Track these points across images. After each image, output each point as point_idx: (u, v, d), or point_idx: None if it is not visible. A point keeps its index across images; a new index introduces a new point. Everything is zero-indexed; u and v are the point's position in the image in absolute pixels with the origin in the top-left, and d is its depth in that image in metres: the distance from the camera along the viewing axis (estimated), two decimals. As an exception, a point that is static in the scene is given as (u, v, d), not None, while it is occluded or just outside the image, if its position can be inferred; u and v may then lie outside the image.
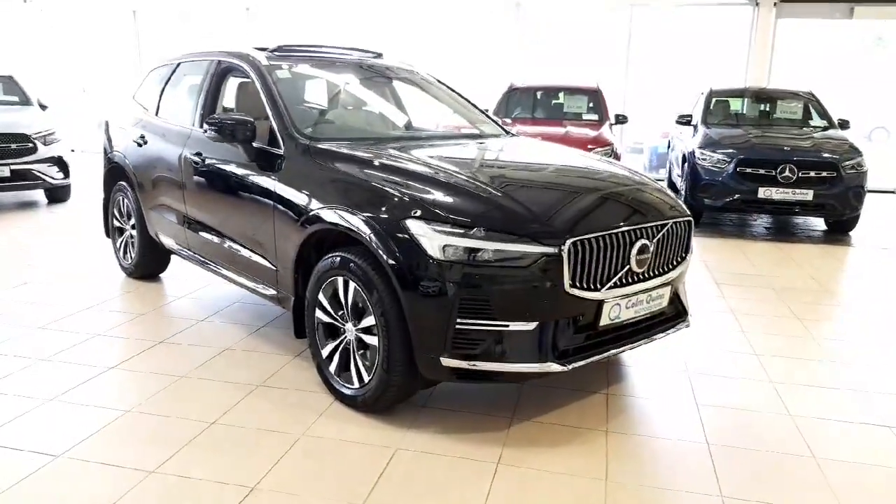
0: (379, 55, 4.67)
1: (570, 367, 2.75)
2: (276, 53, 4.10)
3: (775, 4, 11.84)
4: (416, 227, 2.73)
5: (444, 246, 2.68)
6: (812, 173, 7.12)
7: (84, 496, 2.44)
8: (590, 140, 7.73)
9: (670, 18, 12.86)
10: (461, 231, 2.69)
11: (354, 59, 4.52)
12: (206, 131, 3.86)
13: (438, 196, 2.87)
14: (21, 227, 7.17)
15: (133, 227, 5.02)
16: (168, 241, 4.64)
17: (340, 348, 3.11)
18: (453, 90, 4.74)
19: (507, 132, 4.47)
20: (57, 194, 8.59)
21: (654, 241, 2.99)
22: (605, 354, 2.91)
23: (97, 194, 5.61)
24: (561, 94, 9.36)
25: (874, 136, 16.63)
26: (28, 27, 15.21)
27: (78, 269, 5.48)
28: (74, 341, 3.89)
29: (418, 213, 2.77)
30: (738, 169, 7.25)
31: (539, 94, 9.39)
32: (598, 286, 2.80)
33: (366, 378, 2.97)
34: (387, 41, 11.00)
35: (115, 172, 5.19)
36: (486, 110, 4.84)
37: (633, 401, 3.31)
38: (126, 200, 5.04)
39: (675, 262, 3.17)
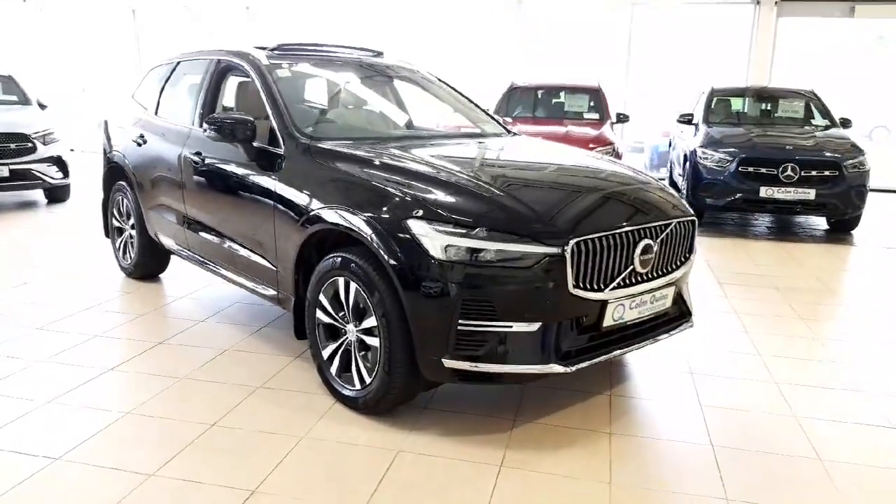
0: (379, 54, 4.64)
1: (574, 368, 2.73)
2: (277, 52, 4.08)
3: (776, 3, 11.82)
4: (418, 228, 2.70)
5: (446, 246, 2.65)
6: (814, 172, 7.09)
7: (83, 500, 2.42)
8: (591, 139, 7.71)
9: (671, 17, 12.83)
10: (463, 231, 2.66)
11: (355, 57, 4.50)
12: (205, 131, 3.83)
13: (440, 196, 2.85)
14: (20, 227, 7.15)
15: (132, 227, 4.99)
16: (167, 242, 4.62)
17: (341, 349, 3.08)
18: (454, 89, 4.72)
19: (509, 131, 4.44)
20: (56, 194, 8.57)
21: (658, 240, 2.96)
22: (609, 356, 2.88)
23: (97, 194, 5.58)
24: (562, 93, 9.33)
25: (875, 135, 16.60)
26: (27, 26, 15.18)
27: (77, 269, 5.46)
28: (74, 342, 3.87)
29: (420, 213, 2.74)
30: (739, 168, 7.22)
31: (540, 93, 9.36)
32: (602, 287, 2.78)
33: (367, 379, 2.95)
34: (387, 40, 10.97)
35: (114, 172, 5.16)
36: (487, 109, 4.82)
37: (636, 402, 3.28)
38: (125, 200, 5.02)
39: (678, 262, 3.14)
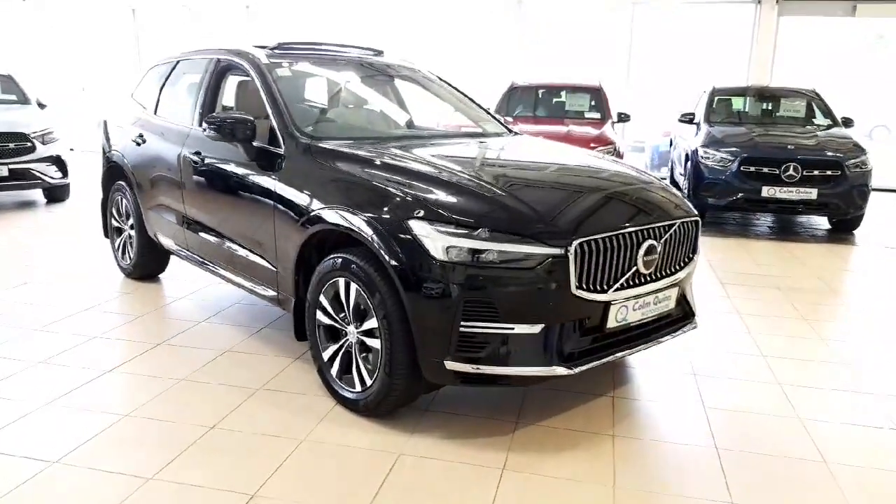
0: (380, 53, 4.62)
1: (577, 370, 2.70)
2: (277, 51, 4.05)
3: (777, 2, 11.79)
4: (419, 228, 2.68)
5: (448, 247, 2.62)
6: (816, 172, 7.06)
7: None
8: (592, 139, 7.69)
9: (672, 16, 12.81)
10: (465, 232, 2.64)
11: (355, 56, 4.47)
12: (205, 130, 3.80)
13: (441, 196, 2.82)
14: (19, 227, 7.12)
15: (132, 227, 4.97)
16: (167, 242, 4.59)
17: (342, 351, 3.06)
18: (455, 88, 4.69)
19: (510, 131, 4.41)
20: (55, 194, 8.54)
21: (662, 241, 2.93)
22: (612, 357, 2.86)
23: (96, 194, 5.56)
24: (563, 93, 9.31)
25: (875, 135, 16.56)
26: (27, 26, 15.15)
27: (77, 269, 5.43)
28: (73, 343, 3.84)
29: (421, 213, 2.71)
30: (741, 168, 7.20)
31: (541, 93, 9.33)
32: (605, 288, 2.75)
33: (368, 381, 2.92)
34: (387, 40, 10.93)
35: (113, 172, 5.13)
36: (488, 109, 4.79)
37: (639, 404, 3.26)
38: (125, 200, 4.99)
39: (682, 263, 3.12)
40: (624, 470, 2.66)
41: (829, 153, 7.23)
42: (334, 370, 3.09)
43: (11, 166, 7.69)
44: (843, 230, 7.70)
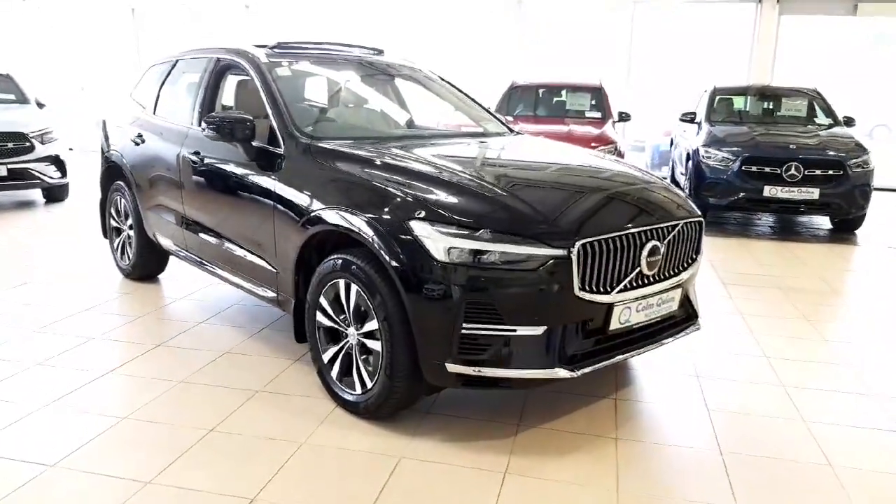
0: (380, 52, 4.59)
1: (580, 373, 2.67)
2: (276, 50, 4.02)
3: (778, 1, 11.76)
4: (420, 229, 2.65)
5: (449, 248, 2.59)
6: (818, 171, 7.04)
7: (78, 508, 2.37)
8: (593, 138, 7.66)
9: (672, 16, 12.78)
10: (466, 232, 2.61)
11: (355, 56, 4.44)
12: (204, 130, 3.77)
13: (443, 196, 2.79)
14: (18, 227, 7.09)
15: (131, 227, 4.94)
16: (166, 242, 4.56)
17: (342, 353, 3.03)
18: (456, 87, 4.66)
19: (512, 130, 4.38)
20: (54, 193, 8.51)
21: (665, 242, 2.91)
22: (615, 359, 2.83)
23: (95, 194, 5.53)
24: (563, 92, 9.27)
25: (875, 134, 16.53)
26: (26, 25, 15.12)
27: (75, 269, 5.40)
28: (71, 344, 3.82)
29: (422, 213, 2.69)
30: (743, 167, 7.17)
31: (541, 92, 9.30)
32: (608, 289, 2.72)
33: (368, 384, 2.89)
34: (387, 40, 10.91)
35: (112, 172, 5.10)
36: (489, 108, 4.76)
37: (642, 406, 3.23)
38: (123, 200, 4.96)
39: (685, 264, 3.09)
40: (627, 473, 2.63)
41: (831, 153, 7.20)
42: (334, 372, 3.06)
43: (10, 166, 7.66)
44: (844, 230, 7.68)
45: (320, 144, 3.35)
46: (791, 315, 4.63)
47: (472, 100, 4.63)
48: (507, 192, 2.87)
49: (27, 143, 7.79)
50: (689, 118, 8.58)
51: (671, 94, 12.42)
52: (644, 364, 3.66)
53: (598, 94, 8.97)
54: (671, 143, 10.19)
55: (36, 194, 8.78)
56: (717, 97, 8.79)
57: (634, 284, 2.81)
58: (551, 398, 3.21)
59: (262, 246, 3.49)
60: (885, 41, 13.83)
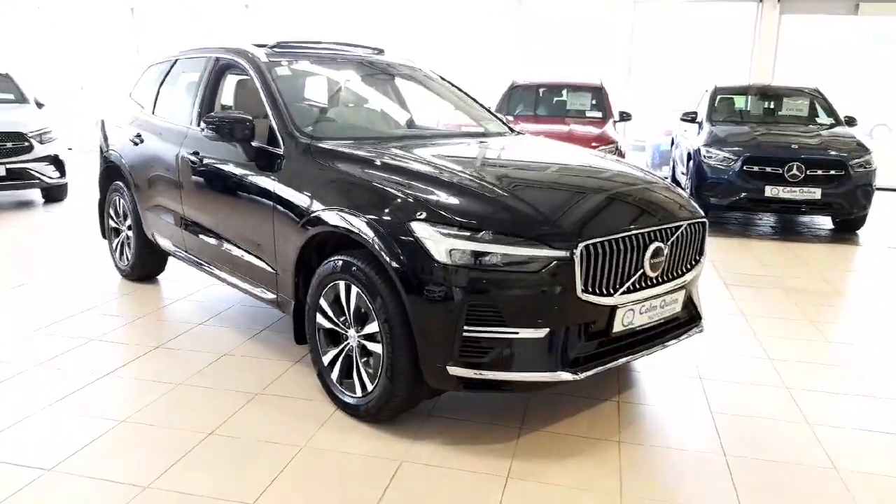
0: (380, 51, 4.56)
1: (582, 376, 2.64)
2: (276, 50, 3.99)
3: (779, 0, 11.73)
4: (421, 230, 2.62)
5: (451, 249, 2.57)
6: (820, 171, 7.01)
7: (76, 512, 2.34)
8: (594, 138, 7.63)
9: (673, 15, 12.75)
10: (468, 234, 2.58)
11: (355, 55, 4.41)
12: (203, 130, 3.74)
13: (444, 197, 2.76)
14: (17, 227, 7.06)
15: (129, 227, 4.91)
16: (165, 243, 4.53)
17: (342, 355, 3.00)
18: (456, 87, 4.63)
19: (513, 130, 4.36)
20: (53, 193, 8.48)
21: (669, 243, 2.88)
22: (618, 362, 2.80)
23: (94, 194, 5.50)
24: (564, 92, 9.24)
25: (875, 133, 16.50)
26: (25, 24, 15.09)
27: (74, 270, 5.37)
28: (69, 346, 3.79)
29: (423, 215, 2.66)
30: (744, 167, 7.14)
31: (541, 92, 9.27)
32: (611, 291, 2.69)
33: (369, 387, 2.86)
34: (387, 39, 10.88)
35: (110, 172, 5.07)
36: (490, 108, 4.73)
37: (644, 409, 3.20)
38: (122, 201, 4.93)
39: (689, 265, 3.06)
40: (630, 477, 2.61)
41: (833, 153, 7.17)
42: (335, 375, 3.03)
43: (9, 166, 7.63)
44: (846, 230, 7.65)
45: (320, 144, 3.32)
46: (794, 316, 4.60)
47: (473, 99, 4.60)
48: (509, 192, 2.84)
49: (26, 143, 7.76)
50: (690, 118, 8.56)
51: (672, 94, 12.40)
52: (646, 366, 3.63)
53: (598, 94, 8.94)
54: (672, 143, 10.17)
55: (35, 194, 8.75)
56: (718, 97, 8.77)
57: (638, 286, 2.78)
58: (553, 401, 3.19)
59: (262, 247, 3.46)
60: (886, 41, 13.81)
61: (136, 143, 4.65)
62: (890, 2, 11.63)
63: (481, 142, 3.94)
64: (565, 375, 2.62)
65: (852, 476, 2.65)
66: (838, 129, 7.99)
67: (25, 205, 8.35)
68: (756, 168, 7.12)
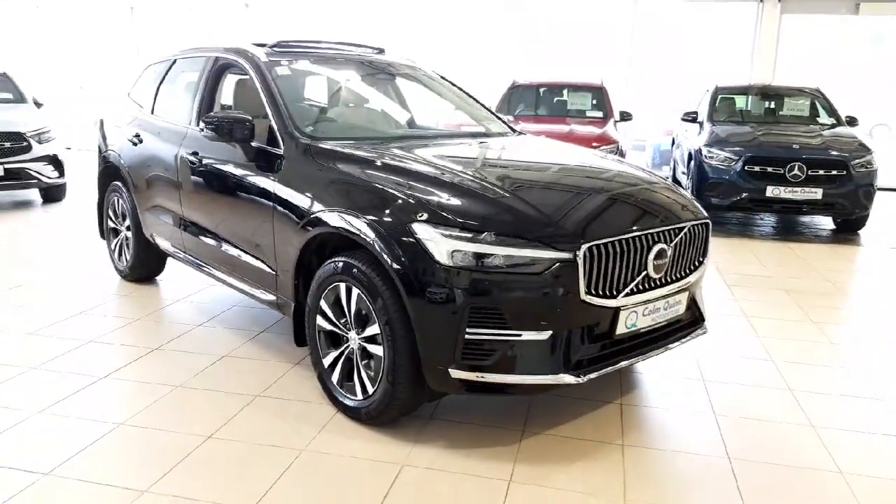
0: (381, 51, 4.53)
1: (585, 378, 2.61)
2: (276, 50, 3.96)
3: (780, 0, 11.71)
4: (423, 231, 2.59)
5: (452, 251, 2.54)
6: (821, 172, 6.99)
7: (73, 517, 2.31)
8: (594, 137, 7.61)
9: (673, 15, 12.73)
10: (470, 235, 2.55)
11: (356, 55, 4.38)
12: (202, 130, 3.72)
13: (445, 198, 2.74)
14: (15, 227, 7.03)
15: (128, 228, 4.88)
16: (164, 243, 4.50)
17: (343, 357, 2.97)
18: (457, 87, 4.60)
19: (514, 130, 4.33)
20: (52, 193, 8.45)
21: (672, 244, 2.85)
22: (621, 365, 2.77)
23: (93, 194, 5.47)
24: (564, 91, 9.22)
25: (875, 133, 16.49)
26: (24, 23, 15.05)
27: (72, 270, 5.34)
28: (67, 348, 3.76)
29: (424, 216, 2.63)
30: (745, 167, 7.12)
31: (542, 91, 9.24)
32: (615, 293, 2.67)
33: (370, 389, 2.83)
34: (387, 39, 10.85)
35: (109, 172, 5.04)
36: (491, 108, 4.70)
37: (648, 411, 3.17)
38: (121, 201, 4.90)
39: (692, 267, 3.03)
40: (634, 481, 2.58)
41: (834, 153, 7.15)
42: (335, 377, 3.01)
43: (7, 166, 7.60)
44: (847, 230, 7.63)
45: (320, 145, 3.29)
46: (796, 317, 4.58)
47: (474, 99, 4.57)
48: (511, 193, 2.81)
49: (24, 143, 7.72)
50: (690, 118, 8.54)
51: (672, 94, 12.38)
52: (649, 368, 3.61)
53: (599, 94, 8.92)
54: (672, 143, 10.14)
55: (33, 194, 8.71)
56: (719, 97, 8.74)
57: (641, 288, 2.75)
58: (556, 403, 3.16)
59: (262, 248, 3.43)
60: (886, 40, 13.79)
61: (135, 143, 4.62)
62: (890, 2, 11.60)
63: (482, 142, 3.91)
64: (568, 378, 2.59)
65: (857, 479, 2.63)
66: (840, 129, 7.96)
67: (24, 205, 8.32)
68: (757, 168, 7.10)
